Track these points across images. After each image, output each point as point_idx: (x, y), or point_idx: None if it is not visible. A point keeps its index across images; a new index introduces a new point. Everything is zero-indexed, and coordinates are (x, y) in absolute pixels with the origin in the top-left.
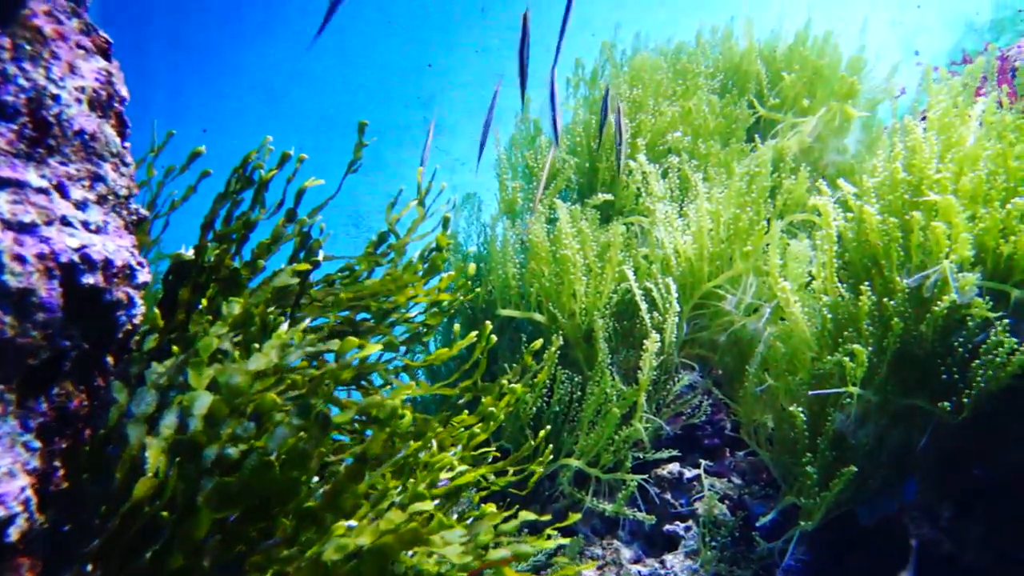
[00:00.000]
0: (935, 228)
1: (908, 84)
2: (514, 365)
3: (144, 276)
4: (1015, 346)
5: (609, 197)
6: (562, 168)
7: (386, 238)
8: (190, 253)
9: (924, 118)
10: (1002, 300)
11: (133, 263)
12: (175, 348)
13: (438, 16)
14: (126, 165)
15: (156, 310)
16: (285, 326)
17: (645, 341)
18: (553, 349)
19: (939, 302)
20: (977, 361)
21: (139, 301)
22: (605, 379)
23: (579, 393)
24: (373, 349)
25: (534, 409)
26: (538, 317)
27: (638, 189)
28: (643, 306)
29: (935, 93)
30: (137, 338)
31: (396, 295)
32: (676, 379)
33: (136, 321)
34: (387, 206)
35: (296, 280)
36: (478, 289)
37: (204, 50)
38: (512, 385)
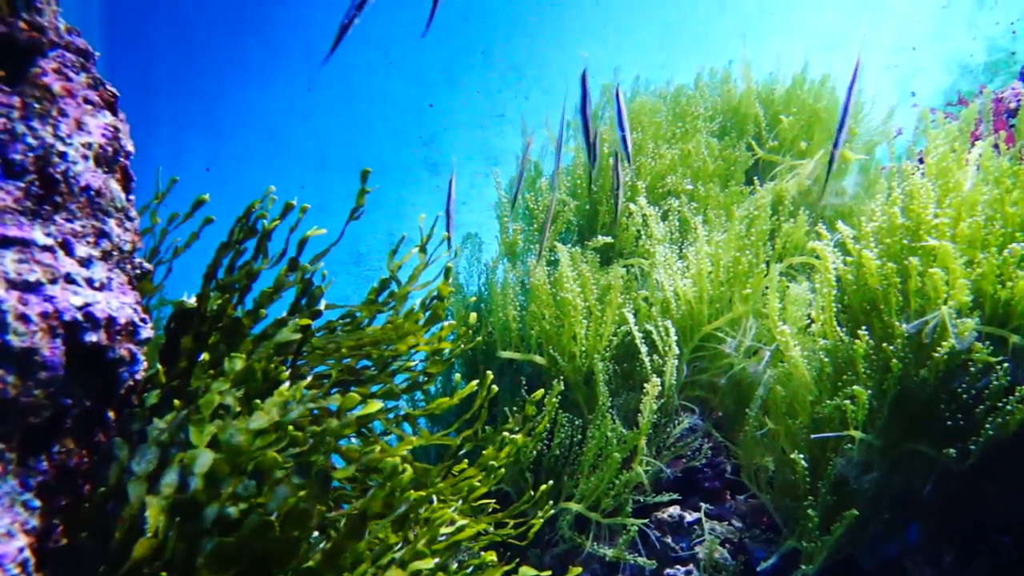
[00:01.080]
0: (933, 274)
1: (905, 125)
2: (514, 409)
3: (147, 332)
4: None
5: (609, 239)
6: (562, 210)
7: (387, 285)
8: (192, 301)
9: (921, 160)
10: (1002, 345)
11: (136, 320)
12: (176, 402)
13: (439, 57)
14: (131, 219)
15: (159, 366)
16: (287, 384)
17: (645, 384)
18: (554, 394)
19: (939, 348)
20: (983, 407)
21: (141, 357)
22: (606, 423)
23: (579, 436)
24: (374, 408)
25: (534, 453)
26: (539, 359)
27: (638, 231)
28: (643, 349)
29: (932, 138)
30: (139, 393)
31: (397, 343)
32: (676, 421)
33: (138, 377)
34: (388, 253)
35: (298, 336)
36: (479, 338)
37: (207, 89)
38: (513, 436)
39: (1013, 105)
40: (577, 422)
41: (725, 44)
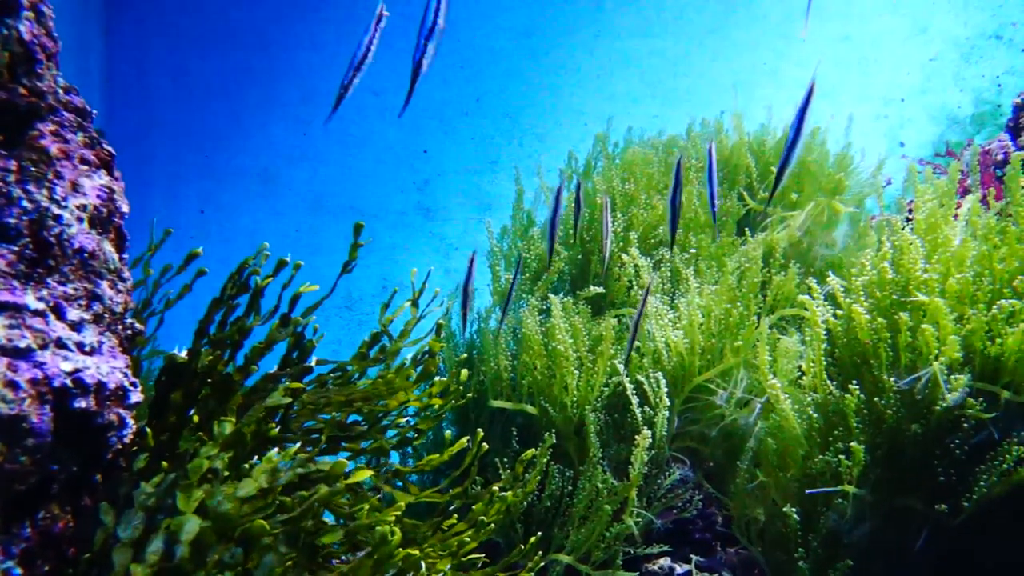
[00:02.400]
0: (924, 330)
1: (894, 174)
2: (505, 460)
3: (136, 396)
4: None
5: (601, 290)
6: (554, 259)
7: (379, 339)
8: (184, 355)
9: (910, 210)
10: (992, 400)
11: (126, 384)
12: (164, 463)
13: (434, 103)
14: (123, 280)
15: (147, 429)
16: (275, 449)
17: (636, 436)
18: (545, 448)
19: (935, 404)
20: (981, 466)
21: (131, 421)
22: (596, 474)
23: (570, 487)
24: (363, 475)
25: (525, 503)
26: (530, 409)
27: (630, 281)
28: (634, 400)
29: (920, 194)
30: (127, 456)
31: (388, 400)
32: (667, 473)
33: (126, 440)
34: (380, 306)
35: (288, 399)
36: (469, 395)
37: (203, 132)
38: (503, 494)
39: (1000, 157)
40: (568, 473)
41: (717, 94)
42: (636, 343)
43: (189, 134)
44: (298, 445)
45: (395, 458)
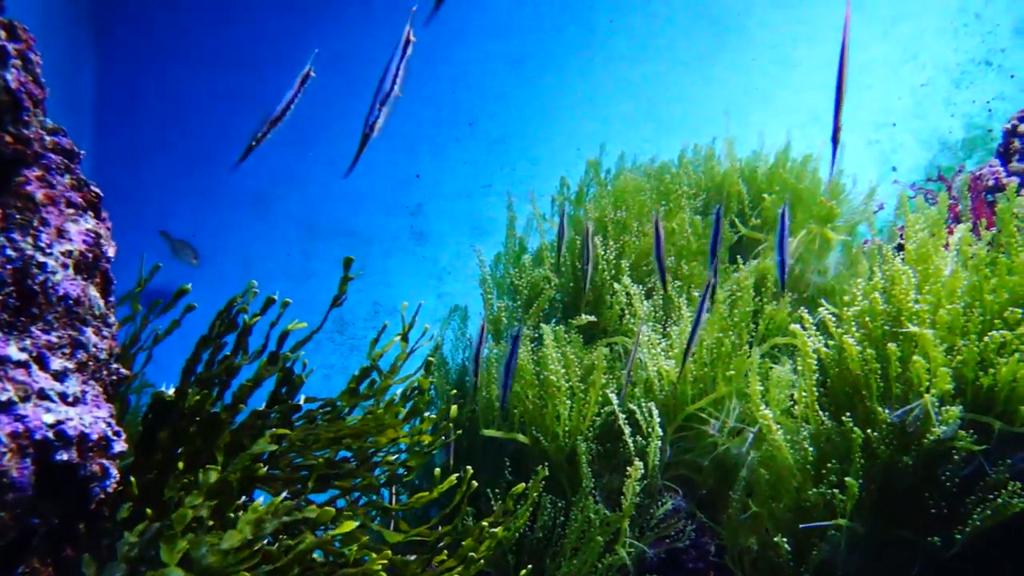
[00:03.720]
0: (916, 362)
1: (887, 199)
2: (496, 491)
3: (120, 446)
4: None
5: (593, 319)
6: (546, 287)
7: (368, 373)
8: (171, 392)
9: (902, 235)
10: (984, 432)
11: (109, 433)
12: (149, 511)
13: (427, 128)
14: (108, 326)
15: (132, 478)
16: (260, 499)
17: (628, 467)
18: (537, 481)
19: (926, 437)
20: (972, 498)
21: (114, 471)
22: (588, 505)
23: (562, 518)
24: (348, 527)
25: (516, 534)
26: (521, 438)
27: (622, 309)
28: (626, 430)
29: (911, 223)
30: (111, 505)
31: (377, 436)
32: (660, 502)
33: (110, 490)
34: (371, 341)
35: (274, 446)
36: (459, 431)
37: (195, 154)
38: (493, 530)
39: (991, 183)
40: (560, 503)
41: (710, 119)
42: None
43: (181, 157)
44: (283, 496)
45: (385, 495)
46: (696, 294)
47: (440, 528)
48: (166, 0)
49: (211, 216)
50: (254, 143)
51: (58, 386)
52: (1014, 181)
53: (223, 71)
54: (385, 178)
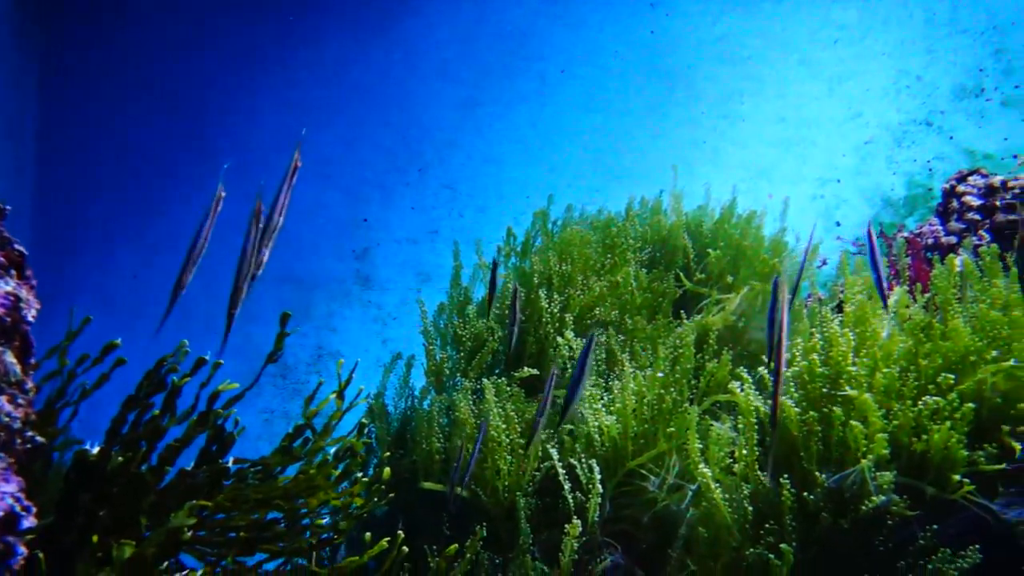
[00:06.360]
0: (854, 427)
1: (830, 255)
2: (434, 548)
3: (29, 522)
4: (949, 556)
5: (536, 372)
6: (489, 339)
7: (302, 431)
8: (95, 452)
9: (843, 290)
10: (916, 496)
11: (18, 509)
12: None
13: (375, 173)
14: (25, 392)
15: (40, 555)
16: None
17: (567, 525)
18: (476, 540)
19: (863, 503)
20: (902, 563)
21: (21, 548)
22: (527, 563)
23: (500, 575)
24: None
25: None
26: (460, 492)
27: (564, 363)
28: (566, 486)
29: (851, 286)
30: None
31: (308, 498)
32: (599, 558)
33: (16, 568)
34: (305, 399)
35: (192, 520)
36: (392, 493)
37: (139, 195)
38: None
39: (930, 242)
40: (498, 560)
41: (657, 171)
42: (569, 425)
43: (125, 198)
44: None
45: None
46: (638, 347)
47: None
48: (115, 39)
49: (153, 258)
50: (173, 297)
51: None
52: (952, 240)
53: (168, 113)
54: (332, 222)
